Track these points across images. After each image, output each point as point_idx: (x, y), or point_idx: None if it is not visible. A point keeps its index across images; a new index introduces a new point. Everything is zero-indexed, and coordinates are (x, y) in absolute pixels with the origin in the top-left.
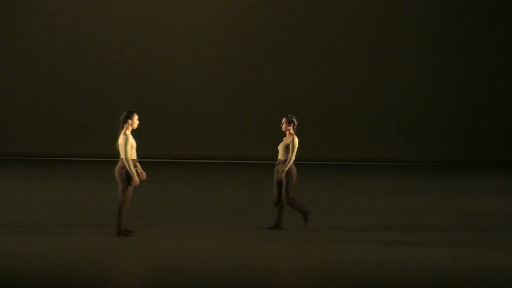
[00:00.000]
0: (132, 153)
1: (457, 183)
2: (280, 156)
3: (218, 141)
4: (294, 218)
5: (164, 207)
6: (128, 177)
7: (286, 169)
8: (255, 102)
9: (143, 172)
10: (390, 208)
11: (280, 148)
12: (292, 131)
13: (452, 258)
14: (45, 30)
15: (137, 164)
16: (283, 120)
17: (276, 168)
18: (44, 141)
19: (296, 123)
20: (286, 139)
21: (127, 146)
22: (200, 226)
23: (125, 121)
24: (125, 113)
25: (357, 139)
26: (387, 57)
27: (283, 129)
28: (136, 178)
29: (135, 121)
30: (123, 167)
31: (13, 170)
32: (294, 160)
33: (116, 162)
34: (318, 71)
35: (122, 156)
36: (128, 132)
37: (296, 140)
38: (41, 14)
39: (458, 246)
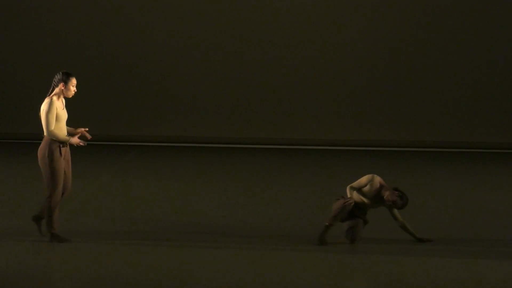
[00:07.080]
0: (60, 128)
1: None
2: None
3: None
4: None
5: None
6: (53, 161)
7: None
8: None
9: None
10: None
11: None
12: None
13: None
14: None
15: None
16: (396, 197)
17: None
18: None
19: None
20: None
21: (51, 114)
22: None
23: (56, 85)
24: (59, 74)
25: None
26: None
27: (398, 208)
28: (74, 139)
29: (71, 87)
30: (46, 146)
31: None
32: None
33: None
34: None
35: (45, 130)
36: (56, 98)
37: None
38: None
39: None
